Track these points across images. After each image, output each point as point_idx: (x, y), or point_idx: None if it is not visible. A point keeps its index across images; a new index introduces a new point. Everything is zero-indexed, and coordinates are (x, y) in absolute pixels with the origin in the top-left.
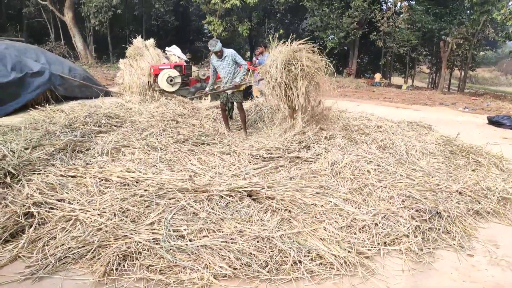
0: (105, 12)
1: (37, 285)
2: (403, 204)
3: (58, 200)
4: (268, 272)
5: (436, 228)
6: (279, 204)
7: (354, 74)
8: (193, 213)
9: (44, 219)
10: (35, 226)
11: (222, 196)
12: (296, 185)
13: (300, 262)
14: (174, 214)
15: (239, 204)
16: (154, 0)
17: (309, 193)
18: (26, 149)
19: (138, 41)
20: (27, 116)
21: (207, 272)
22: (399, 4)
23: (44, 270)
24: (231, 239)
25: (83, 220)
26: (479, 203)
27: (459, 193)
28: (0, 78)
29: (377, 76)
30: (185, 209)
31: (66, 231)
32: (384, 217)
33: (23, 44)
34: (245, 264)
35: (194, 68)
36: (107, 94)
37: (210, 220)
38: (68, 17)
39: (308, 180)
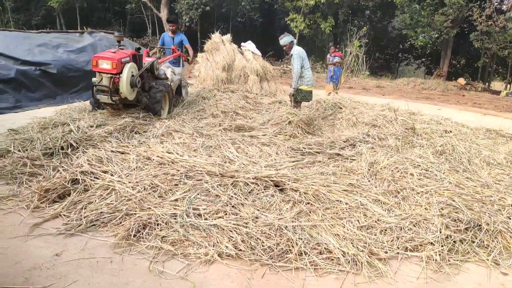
0: (196, 9)
1: (67, 240)
2: (440, 212)
3: (102, 172)
4: (270, 258)
5: (470, 240)
6: (302, 197)
7: (445, 76)
8: (216, 195)
9: (88, 186)
10: (79, 192)
11: (247, 183)
12: (324, 180)
13: (306, 253)
14: (198, 194)
15: (263, 192)
16: None
17: (336, 189)
18: (91, 126)
19: (216, 36)
20: None
21: (212, 249)
22: (506, 1)
23: (76, 229)
24: (244, 223)
25: (118, 190)
26: None
27: None
28: (91, 66)
29: (461, 81)
30: (208, 191)
31: (102, 198)
32: (413, 222)
33: (126, 40)
34: (250, 247)
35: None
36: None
37: (230, 204)
38: (163, 13)
39: (340, 177)
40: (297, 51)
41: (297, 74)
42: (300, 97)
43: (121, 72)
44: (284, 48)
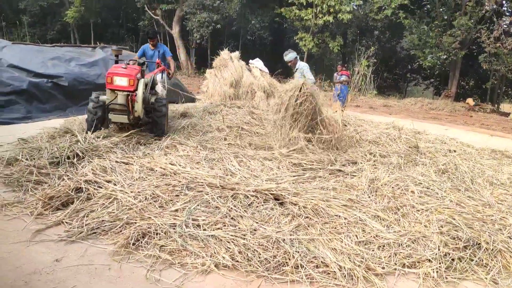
0: (206, 26)
1: (68, 246)
2: (439, 229)
3: (106, 181)
4: (267, 270)
5: (468, 259)
6: (301, 211)
7: (453, 97)
8: (216, 207)
9: (91, 195)
10: (82, 200)
11: (247, 196)
12: (324, 195)
13: (302, 266)
14: (198, 205)
15: (262, 205)
16: (251, 16)
17: (335, 204)
18: (97, 137)
19: (224, 53)
20: None
21: (209, 259)
22: None
23: (77, 236)
24: (242, 234)
25: (120, 199)
26: None
27: None
28: (102, 79)
29: (470, 101)
30: (208, 202)
31: (104, 206)
32: (412, 239)
33: (126, 51)
34: (246, 259)
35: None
36: (193, 100)
37: (229, 216)
38: (175, 30)
39: (340, 192)
40: (305, 65)
41: (313, 82)
42: None
43: (136, 89)
44: (289, 64)
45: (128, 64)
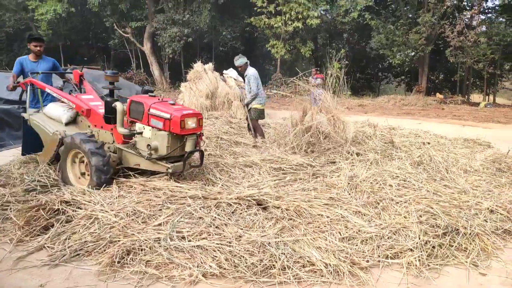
0: (178, 41)
1: (52, 271)
2: (418, 219)
3: (85, 201)
4: (254, 274)
5: (448, 245)
6: (284, 213)
7: (424, 92)
8: (199, 217)
9: (71, 217)
10: (62, 223)
11: (230, 204)
12: (305, 196)
13: (289, 267)
14: (181, 217)
15: (245, 211)
16: (221, 28)
17: (317, 204)
18: None
19: (198, 65)
20: None
21: (197, 270)
22: (476, 17)
23: (61, 259)
24: (228, 242)
25: (101, 219)
26: None
27: (491, 211)
28: None
29: (439, 95)
30: (192, 214)
31: (86, 227)
32: (393, 230)
33: (98, 71)
34: (233, 265)
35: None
36: None
37: (213, 225)
38: (146, 47)
39: (321, 192)
40: (253, 72)
41: (254, 94)
42: (255, 115)
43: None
44: (239, 69)
45: (153, 95)
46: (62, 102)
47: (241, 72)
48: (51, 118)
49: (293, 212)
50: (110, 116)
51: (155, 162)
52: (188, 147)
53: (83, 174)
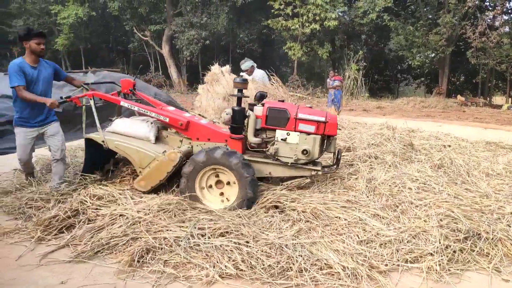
0: (196, 43)
1: (73, 268)
2: (439, 223)
3: (109, 201)
4: (271, 276)
5: (469, 249)
6: (300, 216)
7: (445, 94)
8: (220, 216)
9: (92, 218)
10: (84, 222)
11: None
12: (321, 198)
13: (306, 270)
14: (203, 217)
15: (263, 214)
16: (239, 30)
17: (334, 206)
18: None
19: (215, 67)
20: None
21: (213, 270)
22: (498, 17)
23: (82, 256)
24: (246, 242)
25: (126, 215)
26: None
27: None
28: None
29: (460, 97)
30: (213, 213)
31: (112, 225)
32: (413, 234)
33: (118, 73)
34: (250, 267)
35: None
36: None
37: (233, 223)
38: (165, 50)
39: (338, 194)
40: (262, 74)
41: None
42: None
43: None
44: (246, 72)
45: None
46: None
47: (249, 75)
48: (131, 136)
49: (310, 214)
50: (239, 126)
51: (299, 168)
52: (332, 148)
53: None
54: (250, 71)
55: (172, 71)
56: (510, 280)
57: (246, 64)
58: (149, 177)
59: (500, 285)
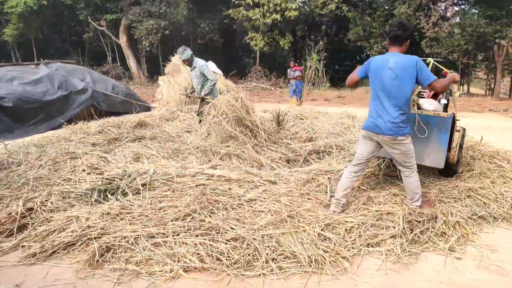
0: (155, 33)
1: (28, 270)
2: (401, 206)
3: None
4: (237, 268)
5: (428, 231)
6: (270, 206)
7: None
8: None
9: (48, 218)
10: (38, 222)
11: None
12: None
13: (273, 259)
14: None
15: (236, 207)
16: (199, 20)
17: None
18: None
19: (176, 58)
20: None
21: (177, 265)
22: (450, 8)
23: (37, 257)
24: (215, 233)
25: (80, 218)
26: (488, 208)
27: (468, 196)
28: (48, 96)
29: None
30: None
31: (65, 226)
32: (376, 218)
33: (72, 65)
34: (216, 259)
35: None
36: (148, 109)
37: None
38: (122, 40)
39: (304, 184)
40: (204, 63)
41: (214, 82)
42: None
43: None
44: (185, 63)
45: None
46: None
47: (188, 65)
48: None
49: (279, 206)
50: None
51: None
52: None
53: None
54: (190, 61)
55: (131, 62)
56: (463, 258)
57: (187, 53)
58: None
59: (454, 263)
